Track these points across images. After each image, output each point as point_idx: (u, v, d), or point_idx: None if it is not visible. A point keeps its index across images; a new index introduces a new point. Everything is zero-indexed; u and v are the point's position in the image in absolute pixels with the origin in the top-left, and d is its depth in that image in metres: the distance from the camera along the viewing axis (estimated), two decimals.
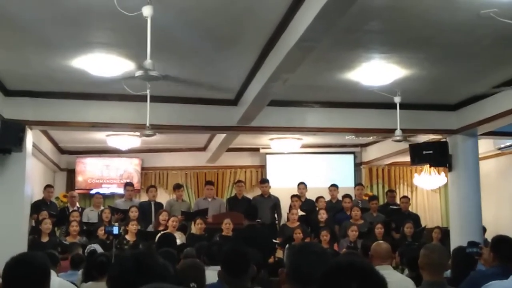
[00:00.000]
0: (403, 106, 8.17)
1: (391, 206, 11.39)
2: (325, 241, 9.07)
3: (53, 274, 3.07)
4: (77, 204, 11.42)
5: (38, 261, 2.77)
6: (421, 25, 5.77)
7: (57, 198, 11.93)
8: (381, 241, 5.74)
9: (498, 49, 6.45)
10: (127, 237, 8.92)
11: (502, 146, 11.76)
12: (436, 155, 9.52)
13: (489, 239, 7.29)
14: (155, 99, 7.52)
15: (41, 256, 2.93)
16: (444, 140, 9.67)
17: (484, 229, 9.82)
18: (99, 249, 7.33)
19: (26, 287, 2.66)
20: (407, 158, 10.22)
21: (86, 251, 7.39)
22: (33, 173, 9.31)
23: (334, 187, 11.62)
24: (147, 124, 7.38)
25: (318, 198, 11.27)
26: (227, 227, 9.04)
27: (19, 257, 2.84)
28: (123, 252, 7.42)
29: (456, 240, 8.45)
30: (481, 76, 7.69)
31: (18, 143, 8.01)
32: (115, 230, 7.84)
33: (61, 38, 6.09)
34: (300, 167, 13.18)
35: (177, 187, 11.46)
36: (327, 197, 11.45)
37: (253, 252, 3.97)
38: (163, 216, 9.68)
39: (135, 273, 1.95)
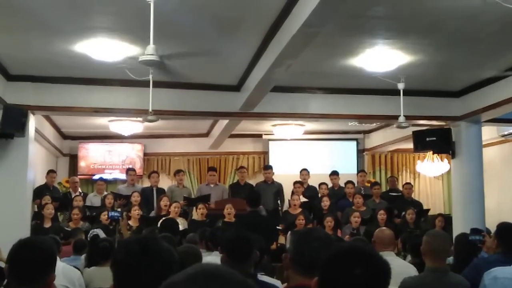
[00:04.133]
0: (406, 92, 8.15)
1: (391, 193, 11.38)
2: (329, 227, 9.06)
3: None
4: (79, 189, 11.44)
5: (45, 245, 2.78)
6: (425, 11, 5.73)
7: (59, 183, 11.94)
8: (384, 228, 5.75)
9: (503, 35, 6.40)
10: (130, 222, 8.93)
11: (506, 133, 11.73)
12: (439, 142, 9.51)
13: (490, 227, 7.30)
14: (157, 84, 7.50)
15: (48, 240, 2.94)
16: (448, 127, 9.64)
17: None
18: (101, 234, 7.33)
19: (32, 270, 2.66)
20: (410, 145, 10.21)
21: (88, 236, 7.40)
22: (35, 158, 9.32)
23: (335, 175, 11.61)
24: (150, 110, 7.36)
25: (321, 185, 11.26)
26: (228, 212, 9.04)
27: (26, 240, 2.85)
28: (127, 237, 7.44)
29: (459, 227, 8.46)
30: (486, 62, 7.65)
31: (20, 128, 8.01)
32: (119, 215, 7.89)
33: (63, 23, 6.06)
34: (303, 153, 13.17)
35: (177, 172, 11.47)
36: (330, 184, 11.45)
37: (255, 238, 3.97)
38: (164, 202, 9.70)
39: (140, 257, 1.94)
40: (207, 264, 1.26)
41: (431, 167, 11.74)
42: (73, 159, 13.33)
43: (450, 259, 5.54)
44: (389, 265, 1.95)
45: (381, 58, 7.24)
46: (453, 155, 9.59)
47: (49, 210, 9.14)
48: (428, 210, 10.78)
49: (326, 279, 1.94)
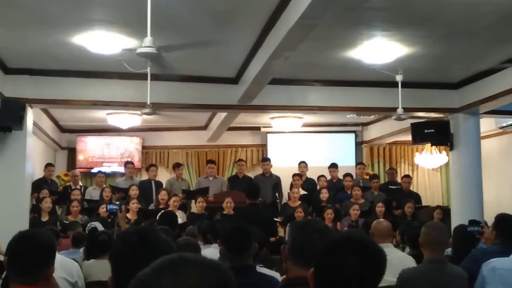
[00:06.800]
0: (405, 84, 8.14)
1: (390, 186, 11.37)
2: (329, 219, 9.07)
3: None
4: (80, 183, 11.45)
5: (44, 238, 2.78)
6: (424, 2, 5.73)
7: (58, 176, 11.94)
8: (382, 219, 5.77)
9: (501, 27, 6.40)
10: (129, 215, 8.95)
11: (504, 125, 11.72)
12: (437, 134, 9.51)
13: (489, 218, 7.31)
14: (155, 77, 7.49)
15: (48, 233, 2.94)
16: (446, 118, 9.64)
17: None
18: (99, 227, 7.33)
19: (32, 262, 2.65)
20: (409, 137, 10.21)
21: (86, 229, 7.41)
22: (33, 152, 9.31)
23: (333, 167, 11.62)
24: (148, 103, 7.35)
25: (319, 177, 11.27)
26: (228, 206, 9.04)
27: (26, 233, 2.84)
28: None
29: (457, 219, 8.46)
30: (484, 54, 7.64)
31: (18, 121, 8.00)
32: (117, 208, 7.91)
33: (61, 15, 6.04)
34: (301, 146, 13.16)
35: (177, 166, 11.49)
36: (328, 176, 11.46)
37: (255, 230, 3.97)
38: (161, 195, 9.72)
39: (139, 248, 1.94)
40: (172, 254, 1.26)
41: (429, 159, 11.74)
42: (71, 152, 13.32)
43: (449, 251, 5.56)
44: (384, 253, 1.95)
45: (379, 50, 7.23)
46: (451, 147, 9.59)
47: (47, 203, 9.14)
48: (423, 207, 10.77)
49: (321, 270, 1.95)
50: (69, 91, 8.46)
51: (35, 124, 9.22)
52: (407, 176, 11.58)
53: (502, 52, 7.53)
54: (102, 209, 8.89)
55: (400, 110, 8.10)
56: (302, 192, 10.56)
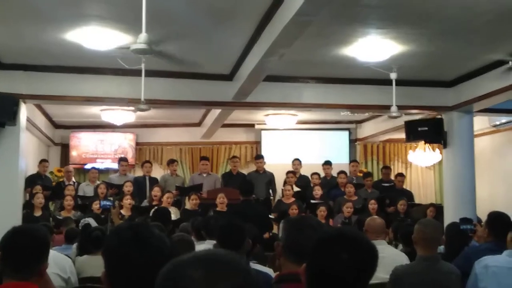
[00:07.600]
0: (399, 82, 8.15)
1: (383, 184, 11.40)
2: (322, 216, 9.09)
3: None
4: (73, 179, 11.43)
5: (39, 233, 2.78)
6: (419, 0, 5.73)
7: (51, 172, 11.91)
8: (375, 216, 5.77)
9: (498, 25, 6.38)
10: (122, 211, 8.94)
11: (497, 123, 11.77)
12: (431, 132, 9.52)
13: (483, 216, 7.34)
14: (150, 73, 7.47)
15: (42, 228, 2.94)
16: (440, 117, 9.66)
17: None
18: (93, 222, 7.33)
19: (26, 258, 2.65)
20: (402, 135, 10.23)
21: (80, 224, 7.40)
22: (27, 147, 9.28)
23: (327, 165, 11.63)
24: (142, 99, 7.34)
25: (313, 174, 11.29)
26: (221, 201, 9.05)
27: (20, 228, 2.84)
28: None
29: (450, 217, 8.49)
30: (480, 52, 7.65)
31: (11, 116, 7.97)
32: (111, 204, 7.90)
33: (56, 11, 6.02)
34: (295, 143, 13.18)
35: (171, 162, 11.49)
36: (322, 174, 11.48)
37: (249, 227, 3.98)
38: (155, 192, 9.73)
39: (132, 244, 1.94)
40: (216, 249, 1.30)
41: (423, 157, 11.76)
42: (65, 148, 13.30)
43: (441, 248, 5.57)
44: (376, 248, 1.97)
45: (373, 47, 7.22)
46: (444, 145, 9.61)
47: (39, 199, 9.13)
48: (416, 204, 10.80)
49: (314, 264, 1.96)
50: (63, 87, 8.43)
51: (28, 119, 9.18)
52: (400, 174, 11.61)
53: (498, 50, 7.53)
54: (96, 205, 8.88)
55: (394, 108, 8.12)
56: (296, 189, 10.58)
